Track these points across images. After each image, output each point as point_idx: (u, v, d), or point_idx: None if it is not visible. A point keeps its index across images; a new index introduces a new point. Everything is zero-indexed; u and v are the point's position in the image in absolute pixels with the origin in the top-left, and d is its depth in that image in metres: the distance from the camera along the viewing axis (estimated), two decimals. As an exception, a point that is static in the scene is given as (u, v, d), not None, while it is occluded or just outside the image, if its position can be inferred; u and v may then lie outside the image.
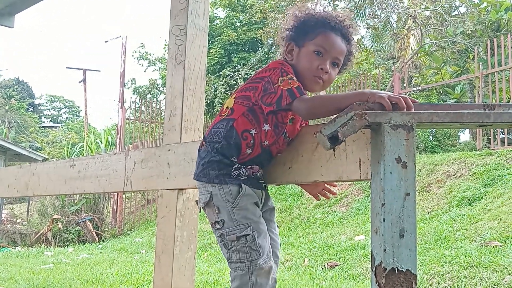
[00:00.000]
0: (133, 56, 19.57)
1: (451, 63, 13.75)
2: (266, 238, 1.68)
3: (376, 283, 1.28)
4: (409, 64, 13.67)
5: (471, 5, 13.11)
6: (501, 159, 7.09)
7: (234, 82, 14.13)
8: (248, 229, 1.63)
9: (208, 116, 14.03)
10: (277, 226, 1.92)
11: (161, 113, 13.73)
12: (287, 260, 6.25)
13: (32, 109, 45.81)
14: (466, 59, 13.02)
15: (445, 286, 4.25)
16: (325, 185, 1.92)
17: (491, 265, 4.26)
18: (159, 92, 19.44)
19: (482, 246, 4.82)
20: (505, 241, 4.77)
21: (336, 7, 13.64)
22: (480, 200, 6.28)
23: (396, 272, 1.26)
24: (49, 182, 3.08)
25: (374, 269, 1.30)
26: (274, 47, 15.21)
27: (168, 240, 2.21)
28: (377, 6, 14.24)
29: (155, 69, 19.87)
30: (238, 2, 16.61)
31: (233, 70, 14.76)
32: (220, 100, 13.87)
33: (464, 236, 5.26)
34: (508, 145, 8.89)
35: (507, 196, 5.89)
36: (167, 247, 2.21)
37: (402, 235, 1.28)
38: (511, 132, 9.77)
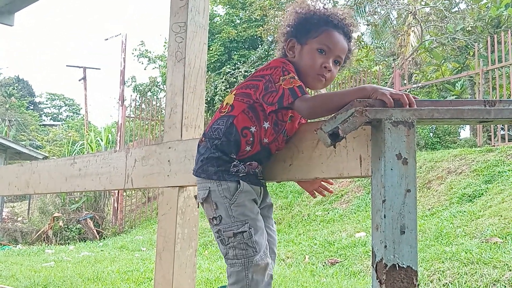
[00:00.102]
0: (133, 54, 19.56)
1: (452, 60, 13.74)
2: (263, 235, 1.68)
3: (377, 279, 1.28)
4: (409, 60, 13.66)
5: (471, 2, 13.09)
6: (502, 156, 7.09)
7: (234, 79, 14.12)
8: (245, 226, 1.64)
9: (208, 114, 14.03)
10: (275, 222, 1.91)
11: (161, 111, 13.73)
12: (288, 257, 6.26)
13: (32, 107, 45.79)
14: (467, 56, 13.01)
15: (446, 283, 4.26)
16: (322, 182, 1.92)
17: (492, 261, 4.26)
18: (159, 90, 19.44)
19: (482, 242, 4.82)
20: (505, 238, 4.78)
21: (336, 4, 13.62)
22: (480, 196, 6.29)
23: (397, 268, 1.26)
24: (49, 180, 3.08)
25: (375, 266, 1.30)
26: (274, 44, 15.18)
27: (169, 237, 2.21)
28: (377, 3, 14.22)
29: (155, 67, 19.87)
30: (238, 0, 16.59)
31: (233, 68, 14.75)
32: (220, 98, 13.87)
33: (464, 232, 5.26)
34: (508, 141, 8.89)
35: (508, 193, 5.89)
36: (168, 244, 2.21)
37: (403, 231, 1.28)
38: (512, 129, 9.76)
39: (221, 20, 16.63)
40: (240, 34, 15.69)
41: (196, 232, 2.26)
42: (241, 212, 1.65)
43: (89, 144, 15.69)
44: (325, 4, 1.80)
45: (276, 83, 1.59)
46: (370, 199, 6.30)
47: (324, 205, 8.45)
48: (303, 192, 9.13)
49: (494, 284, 4.00)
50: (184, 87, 2.29)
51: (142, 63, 19.62)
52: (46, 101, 50.94)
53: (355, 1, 14.37)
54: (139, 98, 14.72)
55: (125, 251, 8.35)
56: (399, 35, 14.69)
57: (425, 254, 4.85)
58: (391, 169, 1.29)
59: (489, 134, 10.08)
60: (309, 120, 1.79)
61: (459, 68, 13.18)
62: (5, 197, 15.40)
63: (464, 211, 5.92)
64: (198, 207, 1.83)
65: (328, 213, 8.08)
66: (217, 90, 14.20)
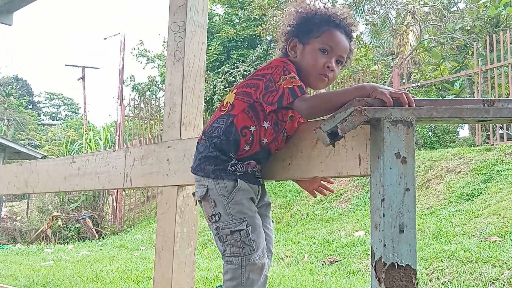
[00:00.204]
0: (131, 53, 19.52)
1: (450, 59, 13.75)
2: (261, 234, 1.69)
3: (376, 278, 1.28)
4: (408, 60, 13.67)
5: (470, 1, 13.09)
6: (500, 155, 7.10)
7: (233, 78, 14.12)
8: (243, 224, 1.64)
9: (207, 113, 14.03)
10: (273, 221, 1.92)
11: (160, 110, 13.73)
12: (287, 256, 6.26)
13: (31, 107, 45.76)
14: (465, 55, 13.02)
15: (445, 281, 4.26)
16: (322, 181, 1.92)
17: (490, 260, 4.27)
18: (158, 89, 19.42)
19: (481, 241, 4.83)
20: (504, 236, 4.79)
21: (335, 3, 13.63)
22: (479, 195, 6.29)
23: (396, 267, 1.27)
24: (48, 179, 3.08)
25: (374, 264, 1.30)
26: (273, 44, 15.18)
27: (168, 236, 2.21)
28: (376, 2, 14.23)
29: (154, 66, 19.83)
30: (237, -1, 16.60)
31: (232, 67, 14.74)
32: (219, 97, 13.87)
33: (463, 231, 5.27)
34: (507, 140, 8.90)
35: (506, 192, 5.90)
36: (167, 243, 2.21)
37: (402, 230, 1.28)
38: (510, 128, 9.77)
39: (220, 19, 16.62)
40: (239, 33, 15.68)
41: (195, 231, 2.26)
42: (239, 210, 1.66)
43: (88, 143, 15.68)
44: (325, 4, 1.80)
45: (277, 83, 1.59)
46: (369, 198, 6.32)
47: (323, 204, 8.45)
48: (302, 191, 9.13)
49: (492, 282, 4.00)
50: (183, 87, 2.29)
51: (141, 63, 19.59)
52: (45, 100, 50.92)
53: (353, 0, 14.37)
54: (138, 97, 14.71)
55: (124, 250, 8.35)
56: (398, 35, 14.70)
57: (424, 253, 4.86)
58: (390, 168, 1.30)
59: (488, 133, 10.10)
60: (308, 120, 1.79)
61: (458, 68, 13.20)
62: (4, 197, 15.38)
63: (463, 210, 5.93)
64: (196, 204, 1.83)
65: (327, 212, 8.08)
66: (216, 89, 14.20)
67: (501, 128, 10.07)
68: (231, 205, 1.66)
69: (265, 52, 14.96)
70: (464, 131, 14.56)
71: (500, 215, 5.32)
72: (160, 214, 2.28)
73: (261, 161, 1.76)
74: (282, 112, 1.68)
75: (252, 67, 14.17)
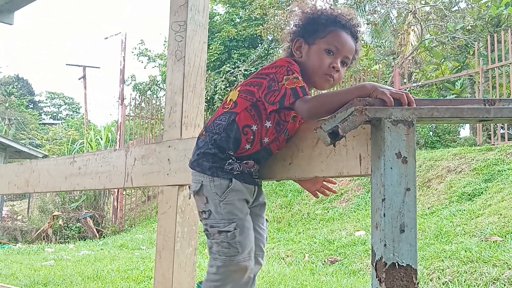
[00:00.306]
0: (132, 52, 19.53)
1: (451, 59, 13.75)
2: (249, 236, 1.69)
3: (376, 278, 1.28)
4: (409, 59, 13.66)
5: (471, 1, 13.09)
6: (501, 155, 7.09)
7: (234, 78, 14.12)
8: (231, 225, 1.65)
9: (208, 113, 14.02)
10: (267, 220, 1.92)
11: (161, 110, 13.73)
12: (288, 256, 6.26)
13: (32, 106, 45.80)
14: (466, 55, 13.02)
15: (445, 281, 4.26)
16: (324, 182, 1.92)
17: (491, 260, 4.27)
18: (159, 89, 19.42)
19: (482, 241, 4.83)
20: (505, 236, 4.78)
21: (336, 3, 13.62)
22: (480, 195, 6.29)
23: (397, 267, 1.27)
24: (49, 178, 3.08)
25: (374, 264, 1.30)
26: (274, 43, 15.19)
27: (169, 236, 2.21)
28: (377, 2, 14.23)
29: (155, 66, 19.83)
30: (238, -2, 16.59)
31: (233, 67, 14.74)
32: (220, 97, 13.87)
33: (464, 231, 5.27)
34: (508, 140, 8.89)
35: (507, 191, 5.89)
36: (167, 243, 2.21)
37: (403, 230, 1.28)
38: (511, 127, 9.77)
39: (221, 19, 16.62)
40: (240, 33, 15.68)
41: (195, 230, 2.26)
42: (229, 211, 1.66)
43: (89, 143, 15.69)
44: (331, 5, 1.79)
45: (279, 82, 1.59)
46: (369, 197, 6.32)
47: (323, 204, 8.45)
48: (303, 190, 9.13)
49: (493, 282, 4.00)
50: (184, 86, 2.29)
51: (142, 62, 19.59)
52: (46, 99, 50.97)
53: (355, 0, 14.36)
54: (139, 97, 14.71)
55: (124, 250, 8.35)
56: (399, 34, 14.69)
57: (424, 252, 4.86)
58: (391, 168, 1.30)
59: (489, 133, 10.09)
60: None
61: (459, 67, 13.19)
62: (4, 196, 15.40)
63: (464, 210, 5.93)
64: (189, 198, 1.84)
65: (328, 211, 8.08)
66: (217, 89, 14.19)
67: (502, 128, 10.06)
68: (223, 205, 1.67)
69: (266, 51, 14.96)
70: (465, 131, 14.56)
71: (501, 215, 5.32)
72: (160, 214, 2.28)
73: (261, 161, 1.76)
74: (285, 112, 1.68)
75: (253, 67, 14.17)
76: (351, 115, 1.28)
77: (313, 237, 6.75)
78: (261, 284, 4.66)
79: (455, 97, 12.05)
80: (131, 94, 16.79)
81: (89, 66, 24.98)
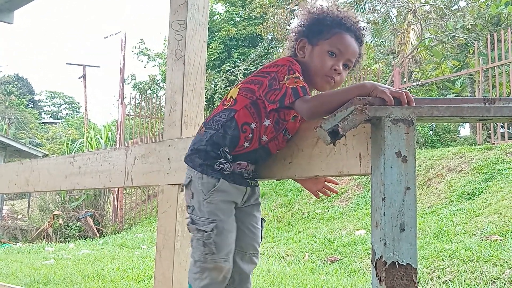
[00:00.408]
0: (132, 52, 19.55)
1: (451, 58, 13.75)
2: (227, 239, 1.69)
3: (376, 277, 1.28)
4: (409, 58, 13.66)
5: (471, 0, 13.09)
6: (501, 154, 7.09)
7: (234, 77, 14.12)
8: (210, 225, 1.67)
9: (208, 112, 14.02)
10: (264, 220, 1.91)
11: (161, 109, 13.73)
12: (288, 255, 6.27)
13: (32, 105, 45.78)
14: (466, 54, 13.02)
15: (446, 280, 4.26)
16: (325, 182, 1.92)
17: (491, 259, 4.27)
18: (159, 88, 19.43)
19: (482, 240, 4.83)
20: (505, 235, 4.78)
21: (337, 2, 13.61)
22: (480, 194, 6.29)
23: (397, 266, 1.27)
24: (49, 178, 3.08)
25: (374, 263, 1.30)
26: (274, 42, 15.19)
27: (169, 235, 2.21)
28: (377, 1, 14.22)
29: (155, 65, 19.85)
30: (238, -3, 16.59)
31: (233, 66, 14.75)
32: (220, 96, 13.87)
33: (464, 230, 5.27)
34: (508, 139, 8.89)
35: (507, 191, 5.89)
36: (168, 242, 2.21)
37: (403, 229, 1.28)
38: (511, 127, 9.77)
39: (220, 18, 16.62)
40: (240, 32, 15.68)
41: (196, 230, 2.26)
42: (211, 211, 1.68)
43: (89, 142, 15.69)
44: (338, 6, 1.78)
45: (280, 81, 1.59)
46: (369, 197, 6.33)
47: (323, 203, 8.45)
48: (303, 190, 9.13)
49: (493, 281, 4.00)
50: (184, 85, 2.29)
51: (142, 61, 19.61)
52: (46, 99, 50.96)
53: (355, -1, 14.36)
54: (139, 96, 14.71)
55: (125, 249, 8.35)
56: (399, 33, 14.68)
57: (424, 251, 4.86)
58: (391, 167, 1.30)
59: (489, 132, 10.09)
60: None
61: (459, 66, 13.19)
62: (5, 195, 15.40)
63: (464, 209, 5.93)
64: (181, 191, 1.86)
65: (328, 211, 8.08)
66: (217, 88, 14.20)
67: (502, 127, 10.05)
68: (206, 203, 1.68)
69: (266, 50, 14.96)
70: (465, 130, 14.56)
71: (501, 214, 5.32)
72: (161, 213, 2.29)
73: (259, 161, 1.76)
74: (284, 111, 1.68)
75: (253, 66, 14.17)
76: (351, 114, 1.28)
77: (313, 236, 6.75)
78: (261, 283, 4.67)
79: (455, 96, 12.05)
80: (131, 93, 16.82)
81: (89, 65, 24.97)
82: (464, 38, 12.56)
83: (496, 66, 9.30)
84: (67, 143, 17.75)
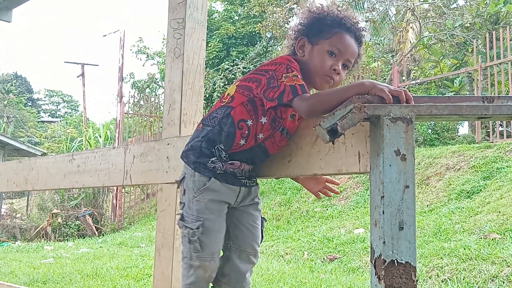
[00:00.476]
0: (131, 50, 19.53)
1: (450, 56, 13.75)
2: (213, 238, 1.70)
3: (375, 275, 1.28)
4: (408, 57, 13.66)
5: (470, -2, 13.10)
6: (500, 152, 7.10)
7: (233, 76, 14.12)
8: (196, 223, 1.68)
9: (206, 110, 14.01)
10: (265, 219, 1.91)
11: (160, 107, 13.73)
12: (287, 254, 6.27)
13: (30, 104, 45.75)
14: (465, 52, 13.02)
15: (444, 279, 4.27)
16: (326, 183, 1.92)
17: (490, 257, 4.27)
18: (158, 86, 19.42)
19: (481, 238, 4.83)
20: (504, 234, 4.79)
21: (336, 1, 13.60)
22: (479, 192, 6.30)
23: (396, 264, 1.27)
24: (48, 176, 3.08)
25: (373, 261, 1.30)
26: (272, 41, 15.19)
27: (168, 233, 2.21)
28: (376, -1, 14.21)
29: (154, 64, 19.84)
30: (237, -4, 16.58)
31: (232, 64, 14.74)
32: (219, 94, 13.86)
33: (463, 228, 5.27)
34: (507, 138, 8.91)
35: (506, 189, 5.90)
36: (167, 240, 2.21)
37: (402, 227, 1.28)
38: (510, 125, 9.78)
39: (219, 16, 16.61)
40: (239, 30, 15.67)
41: (195, 228, 2.26)
42: (199, 209, 1.69)
43: (88, 140, 15.68)
44: (339, 6, 1.79)
45: (279, 80, 1.59)
46: (368, 195, 6.34)
47: (322, 202, 8.46)
48: (302, 188, 9.13)
49: (492, 280, 4.01)
50: (183, 84, 2.29)
51: (141, 60, 19.61)
52: (44, 97, 50.94)
53: (353, -3, 14.36)
54: (138, 94, 14.71)
55: (124, 248, 8.35)
56: (397, 32, 14.69)
57: (423, 250, 4.86)
58: (390, 165, 1.30)
59: (488, 130, 10.10)
60: None
61: (457, 65, 13.19)
62: (3, 194, 15.39)
63: (463, 207, 5.93)
64: (177, 187, 1.87)
65: (327, 209, 8.09)
66: (216, 86, 14.19)
67: (500, 125, 10.07)
68: (195, 201, 1.69)
69: (264, 49, 14.96)
70: (463, 128, 14.57)
71: (499, 212, 5.33)
72: (160, 211, 2.28)
73: (255, 160, 1.75)
74: (281, 109, 1.67)
75: (251, 64, 14.17)
76: (350, 112, 1.28)
77: (312, 235, 6.75)
78: (260, 282, 4.67)
79: (454, 94, 12.06)
80: (129, 92, 16.78)
81: (87, 64, 24.95)
82: (463, 37, 12.57)
83: (494, 64, 9.30)
84: (65, 142, 17.73)
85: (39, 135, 33.34)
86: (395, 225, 1.28)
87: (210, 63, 15.01)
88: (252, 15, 15.53)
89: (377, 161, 1.33)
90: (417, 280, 1.29)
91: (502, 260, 4.17)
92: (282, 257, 6.20)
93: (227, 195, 1.73)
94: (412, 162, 1.31)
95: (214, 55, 15.17)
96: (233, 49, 15.49)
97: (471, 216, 5.56)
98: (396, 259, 1.27)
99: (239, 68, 14.14)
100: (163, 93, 13.61)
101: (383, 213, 1.28)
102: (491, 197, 5.90)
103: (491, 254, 4.31)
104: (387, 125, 1.30)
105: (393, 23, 15.47)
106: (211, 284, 1.80)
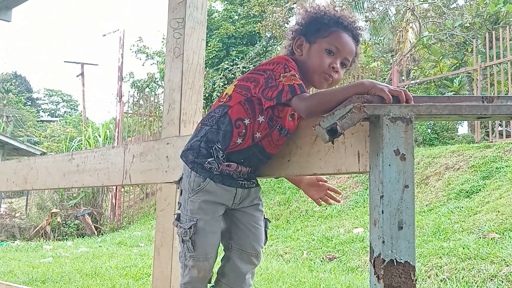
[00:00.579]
0: (131, 49, 19.51)
1: (450, 56, 13.76)
2: (206, 239, 1.71)
3: (374, 274, 1.29)
4: (408, 57, 13.66)
5: (470, -2, 13.10)
6: (499, 152, 7.10)
7: (232, 75, 14.11)
8: (189, 223, 1.69)
9: (206, 110, 14.00)
10: (269, 221, 1.91)
11: (160, 107, 13.72)
12: (286, 253, 6.27)
13: (30, 103, 45.72)
14: (465, 52, 13.02)
15: (443, 278, 4.27)
16: (328, 191, 1.93)
17: (489, 257, 4.28)
18: (157, 86, 19.41)
19: (480, 238, 4.84)
20: (503, 233, 4.79)
21: (335, 1, 13.60)
22: (478, 192, 6.30)
23: (395, 263, 1.27)
24: (47, 176, 3.08)
25: (372, 261, 1.30)
26: (272, 41, 15.18)
27: (167, 233, 2.21)
28: (376, -1, 14.21)
29: (153, 63, 19.83)
30: (236, -5, 16.58)
31: (231, 64, 14.74)
32: (219, 94, 13.86)
33: (462, 228, 5.28)
34: (506, 137, 8.91)
35: (505, 189, 5.90)
36: (166, 240, 2.21)
37: (401, 227, 1.28)
38: (509, 125, 9.78)
39: (219, 16, 16.60)
40: (238, 30, 15.67)
41: (194, 227, 2.26)
42: (193, 209, 1.70)
43: (87, 140, 15.68)
44: (335, 5, 1.80)
45: (277, 79, 1.59)
46: (368, 195, 6.33)
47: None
48: (301, 188, 9.13)
49: (491, 279, 4.01)
50: (182, 83, 2.29)
51: (140, 59, 19.59)
52: (44, 97, 50.90)
53: (353, -3, 14.35)
54: (137, 94, 14.70)
55: (123, 247, 8.35)
56: (397, 31, 14.69)
57: (422, 249, 4.87)
58: (389, 165, 1.30)
59: (487, 130, 10.11)
60: None
61: (457, 65, 13.20)
62: (3, 193, 15.38)
63: (462, 207, 5.94)
64: (178, 187, 1.88)
65: (326, 209, 8.09)
66: (215, 86, 14.19)
67: (500, 125, 10.07)
68: (190, 201, 1.71)
69: (264, 49, 14.95)
70: (463, 128, 14.58)
71: (499, 212, 5.33)
72: (159, 211, 2.29)
73: (252, 160, 1.73)
74: (279, 108, 1.67)
75: (251, 64, 14.16)
76: (349, 112, 1.28)
77: (311, 234, 6.75)
78: (260, 281, 4.67)
79: (453, 94, 12.06)
80: (129, 91, 16.78)
81: (87, 63, 24.96)
82: (463, 37, 12.57)
83: (494, 64, 9.31)
84: (65, 141, 17.73)
85: (38, 134, 33.34)
86: (395, 224, 1.28)
87: (209, 62, 15.00)
88: (252, 15, 15.53)
89: (376, 161, 1.33)
90: (416, 280, 1.29)
91: (501, 260, 4.17)
92: (281, 256, 6.20)
93: (223, 197, 1.72)
94: (412, 162, 1.31)
95: (214, 55, 15.17)
96: (233, 48, 15.49)
97: (470, 216, 5.57)
98: (395, 259, 1.27)
99: (238, 67, 14.13)
100: (162, 92, 13.62)
101: (383, 212, 1.28)
102: (490, 197, 5.90)
103: (490, 254, 4.31)
104: (387, 125, 1.30)
105: (392, 23, 15.48)
106: (211, 284, 1.80)
